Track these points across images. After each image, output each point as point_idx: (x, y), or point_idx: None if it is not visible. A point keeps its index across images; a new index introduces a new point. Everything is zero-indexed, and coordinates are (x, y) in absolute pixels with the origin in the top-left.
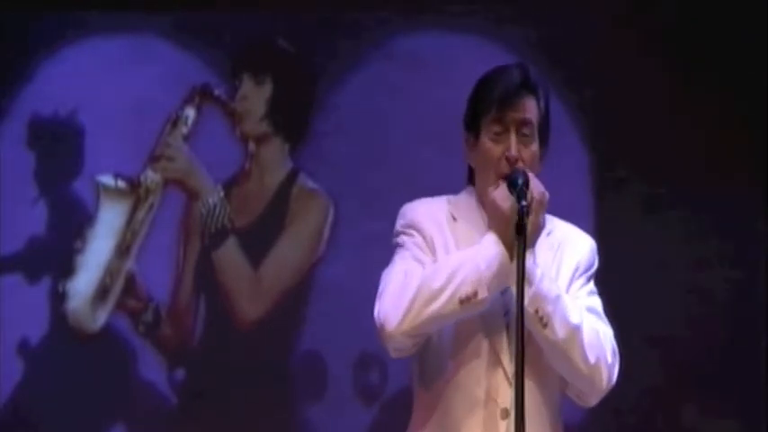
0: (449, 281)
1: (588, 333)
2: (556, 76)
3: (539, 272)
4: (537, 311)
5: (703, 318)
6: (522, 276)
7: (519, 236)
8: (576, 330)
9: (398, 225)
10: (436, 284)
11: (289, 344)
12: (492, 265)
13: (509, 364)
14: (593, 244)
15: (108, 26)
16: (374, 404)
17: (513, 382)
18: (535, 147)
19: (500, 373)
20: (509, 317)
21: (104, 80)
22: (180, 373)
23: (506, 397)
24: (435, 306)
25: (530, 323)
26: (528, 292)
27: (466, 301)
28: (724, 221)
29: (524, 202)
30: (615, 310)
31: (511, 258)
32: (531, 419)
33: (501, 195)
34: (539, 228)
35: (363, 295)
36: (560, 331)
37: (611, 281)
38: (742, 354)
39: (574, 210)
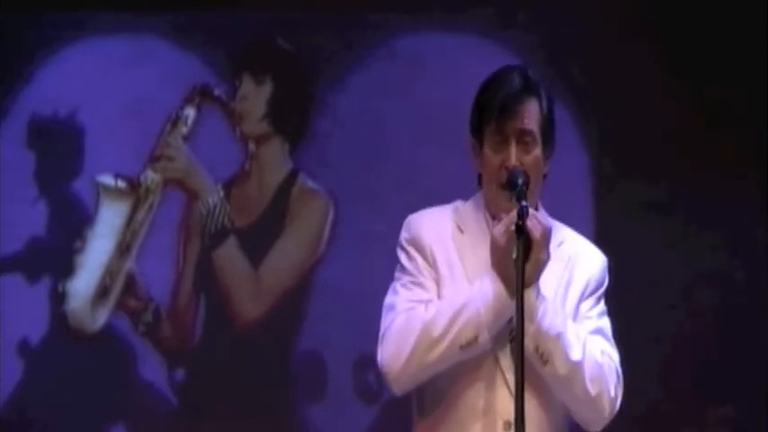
0: (449, 327)
1: (590, 368)
2: (555, 77)
3: (542, 308)
4: (537, 348)
5: (703, 319)
6: (521, 280)
7: (519, 236)
8: (577, 366)
9: (402, 237)
10: (436, 332)
11: (289, 344)
12: (491, 307)
13: (512, 377)
14: (604, 261)
15: (108, 26)
16: (374, 404)
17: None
18: (537, 152)
19: (502, 385)
20: (513, 330)
21: (104, 80)
22: (180, 373)
23: (509, 409)
24: (436, 353)
25: (530, 358)
26: (529, 329)
27: (467, 346)
28: (724, 222)
29: (524, 203)
30: (614, 310)
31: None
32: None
33: (499, 231)
34: (542, 263)
35: (363, 295)
36: (561, 368)
37: (611, 281)
38: (743, 353)
39: (574, 210)
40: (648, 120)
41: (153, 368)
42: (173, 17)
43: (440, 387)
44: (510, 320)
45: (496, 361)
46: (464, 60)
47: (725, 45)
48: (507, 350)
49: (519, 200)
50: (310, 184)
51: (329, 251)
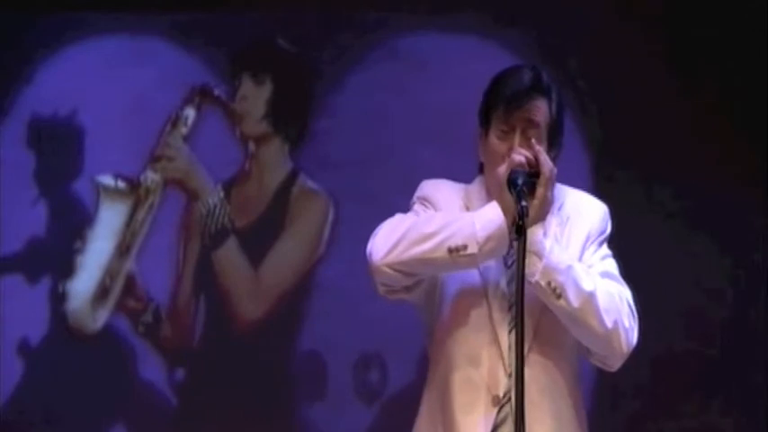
0: (441, 229)
1: (603, 298)
2: (555, 77)
3: (548, 244)
4: (549, 283)
5: (703, 318)
6: (521, 275)
7: (519, 236)
8: (590, 297)
9: (415, 196)
10: (428, 229)
11: (289, 344)
12: (487, 225)
13: (508, 354)
14: (604, 209)
15: (108, 26)
16: (374, 404)
17: (509, 370)
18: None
19: (498, 361)
20: (513, 310)
21: (104, 80)
22: (180, 373)
23: (501, 385)
24: (423, 247)
25: (544, 296)
26: (539, 266)
27: (455, 251)
28: (724, 222)
29: (524, 203)
30: None
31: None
32: (534, 408)
33: (502, 168)
34: (549, 202)
35: (363, 295)
36: (575, 300)
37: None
38: (743, 352)
39: None
40: (648, 119)
41: (153, 368)
42: (173, 17)
43: (441, 358)
44: (511, 284)
45: (496, 338)
46: (464, 60)
47: (725, 44)
48: (506, 329)
49: (519, 200)
50: (310, 184)
51: (329, 251)
